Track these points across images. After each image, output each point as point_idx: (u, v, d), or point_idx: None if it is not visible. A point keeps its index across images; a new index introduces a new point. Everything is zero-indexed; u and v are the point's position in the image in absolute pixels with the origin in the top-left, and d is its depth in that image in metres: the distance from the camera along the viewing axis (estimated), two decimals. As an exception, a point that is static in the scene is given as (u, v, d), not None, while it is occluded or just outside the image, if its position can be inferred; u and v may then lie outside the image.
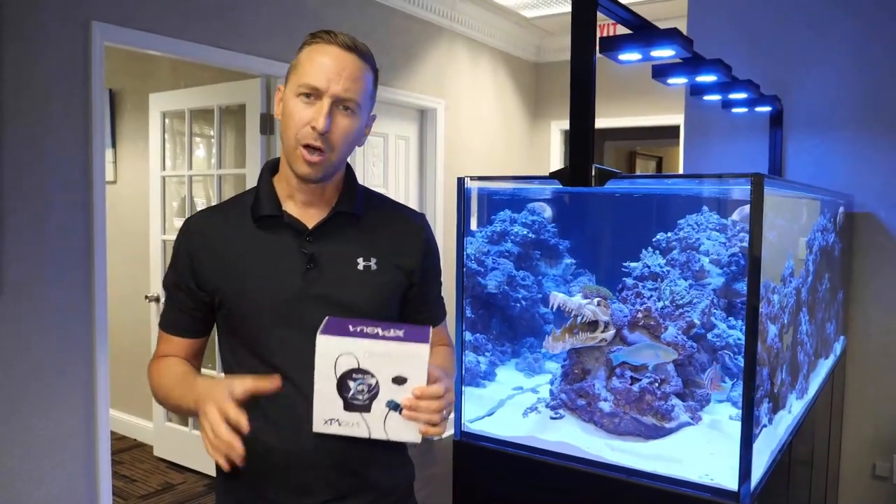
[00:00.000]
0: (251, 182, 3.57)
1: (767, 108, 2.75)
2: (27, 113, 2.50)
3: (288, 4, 3.45)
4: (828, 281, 2.26)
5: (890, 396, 2.82)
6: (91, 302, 2.74)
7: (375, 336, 1.13)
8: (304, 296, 1.25)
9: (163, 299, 4.02)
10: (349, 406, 1.14)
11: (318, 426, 1.15)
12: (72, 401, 2.71)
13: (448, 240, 4.63)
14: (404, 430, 1.15)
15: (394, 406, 1.13)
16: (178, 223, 4.09)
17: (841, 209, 2.43)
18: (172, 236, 3.98)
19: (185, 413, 1.25)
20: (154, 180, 4.10)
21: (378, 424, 1.14)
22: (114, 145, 4.48)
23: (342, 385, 1.13)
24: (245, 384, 1.13)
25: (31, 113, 2.51)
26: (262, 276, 1.26)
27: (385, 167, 4.40)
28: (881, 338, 2.82)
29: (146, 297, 4.09)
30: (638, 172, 7.90)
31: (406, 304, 1.37)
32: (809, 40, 2.93)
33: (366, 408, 1.14)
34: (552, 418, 1.64)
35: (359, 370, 1.12)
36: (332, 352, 1.12)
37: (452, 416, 1.33)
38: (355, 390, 1.13)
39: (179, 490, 3.82)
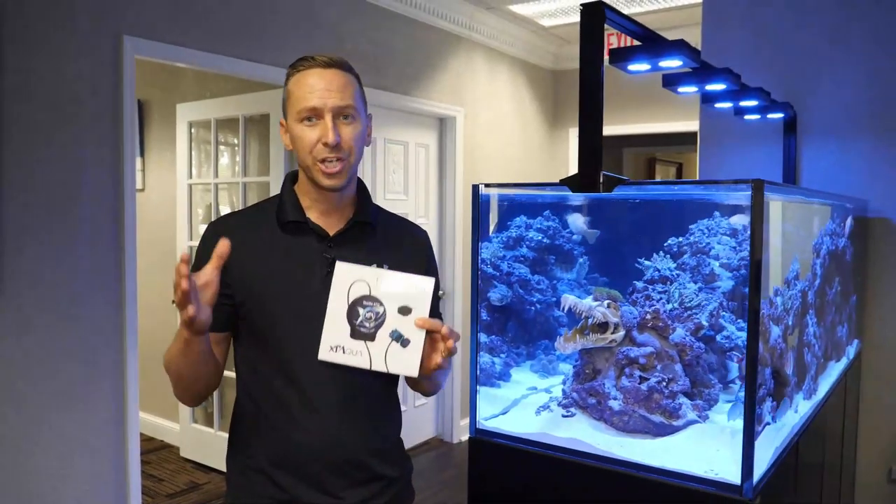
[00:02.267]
0: (275, 190, 3.65)
1: (780, 115, 2.78)
2: (60, 124, 2.61)
3: (310, 17, 3.55)
4: (838, 284, 2.29)
5: (906, 400, 2.84)
6: (121, 307, 2.84)
7: (386, 269, 1.25)
8: (323, 297, 1.32)
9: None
10: (355, 333, 1.23)
11: (324, 353, 1.24)
12: (103, 402, 2.80)
13: (467, 245, 4.69)
14: (404, 363, 1.24)
15: (397, 336, 1.23)
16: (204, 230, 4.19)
17: (849, 214, 2.45)
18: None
19: (188, 362, 1.27)
20: (181, 188, 4.22)
21: (380, 355, 1.24)
22: (142, 154, 4.60)
23: (352, 312, 1.23)
24: (206, 267, 1.16)
25: (64, 124, 2.62)
26: (286, 277, 1.34)
27: (405, 174, 4.47)
28: (896, 342, 2.84)
29: (172, 301, 4.19)
30: (658, 178, 7.90)
31: None
32: (825, 47, 2.96)
33: (371, 336, 1.23)
34: (564, 416, 1.70)
35: (369, 297, 1.23)
36: (348, 278, 1.23)
37: (466, 417, 1.39)
38: (363, 317, 1.23)
39: (205, 490, 3.92)
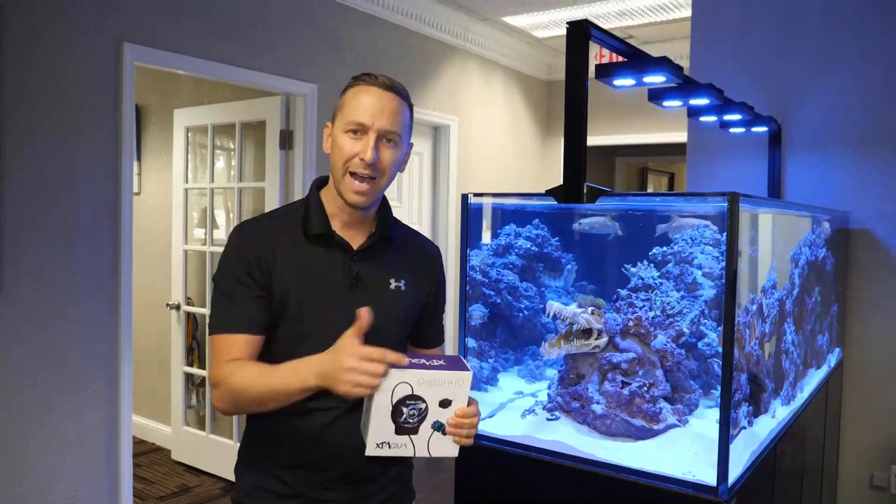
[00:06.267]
0: (270, 194, 3.71)
1: (764, 129, 2.84)
2: (60, 128, 2.65)
3: (308, 27, 3.60)
4: (818, 294, 2.35)
5: (888, 407, 2.89)
6: (117, 309, 2.87)
7: (424, 366, 1.28)
8: (347, 309, 1.35)
9: (183, 307, 4.17)
10: (400, 430, 1.28)
11: (371, 450, 1.29)
12: (96, 404, 2.83)
13: (459, 251, 4.74)
14: (444, 447, 1.31)
15: (438, 426, 1.29)
16: (199, 234, 4.23)
17: (826, 224, 2.52)
18: (194, 246, 4.15)
19: (284, 400, 1.32)
20: (177, 192, 4.25)
21: (423, 444, 1.30)
22: (139, 158, 4.63)
23: (396, 411, 1.27)
24: (353, 332, 1.24)
25: (64, 128, 2.66)
26: (312, 287, 1.39)
27: (399, 182, 4.52)
28: (878, 350, 2.90)
29: (167, 304, 4.23)
30: (650, 188, 7.98)
31: (417, 322, 1.53)
32: (809, 62, 3.03)
33: (414, 430, 1.29)
34: (548, 420, 1.74)
35: (412, 396, 1.27)
36: (392, 381, 1.25)
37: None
38: (407, 415, 1.28)
39: (196, 492, 3.94)
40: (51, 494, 2.69)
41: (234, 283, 1.39)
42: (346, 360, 1.21)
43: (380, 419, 1.27)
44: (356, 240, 1.44)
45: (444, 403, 1.28)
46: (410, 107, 1.45)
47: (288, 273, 1.38)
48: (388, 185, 1.43)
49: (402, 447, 1.29)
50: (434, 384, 1.27)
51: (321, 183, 1.48)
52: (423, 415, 1.28)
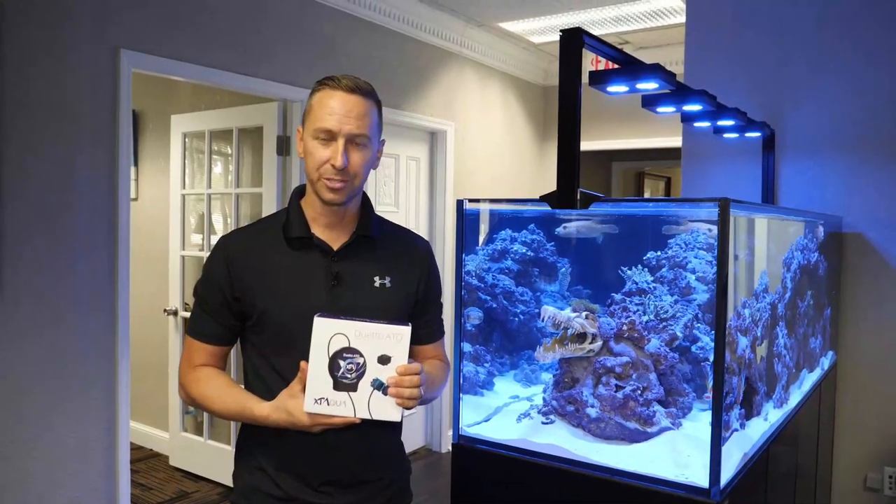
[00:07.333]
0: (267, 200, 3.73)
1: (757, 134, 2.87)
2: (57, 134, 2.67)
3: (305, 33, 3.62)
4: (811, 297, 2.37)
5: (881, 410, 2.91)
6: (115, 314, 2.89)
7: (364, 320, 1.29)
8: (329, 308, 1.40)
9: (181, 313, 4.18)
10: (338, 385, 1.28)
11: (309, 406, 1.29)
12: (94, 410, 2.84)
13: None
14: (386, 409, 1.30)
15: (378, 385, 1.29)
16: (197, 239, 4.25)
17: (820, 229, 2.54)
18: (191, 252, 4.16)
19: (231, 419, 1.47)
20: (174, 198, 4.27)
21: (363, 404, 1.29)
22: (136, 164, 4.66)
23: (333, 364, 1.27)
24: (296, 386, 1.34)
25: (61, 134, 2.68)
26: (295, 290, 1.42)
27: (396, 187, 4.54)
28: (871, 352, 2.92)
29: (165, 310, 4.24)
30: (647, 192, 8.00)
31: (412, 318, 1.54)
32: (803, 68, 3.05)
33: (353, 387, 1.28)
34: (543, 423, 1.76)
35: (349, 349, 1.27)
36: (327, 332, 1.27)
37: (451, 423, 1.47)
38: (345, 369, 1.28)
39: (194, 498, 3.95)
40: (51, 500, 2.70)
41: (208, 295, 1.46)
42: (305, 419, 1.31)
43: (317, 371, 1.27)
44: (338, 241, 1.47)
45: (384, 360, 1.28)
46: (378, 103, 1.47)
47: (270, 280, 1.42)
48: (363, 183, 1.47)
49: (342, 405, 1.28)
50: (371, 337, 1.28)
51: (301, 192, 1.52)
52: (361, 370, 1.28)
